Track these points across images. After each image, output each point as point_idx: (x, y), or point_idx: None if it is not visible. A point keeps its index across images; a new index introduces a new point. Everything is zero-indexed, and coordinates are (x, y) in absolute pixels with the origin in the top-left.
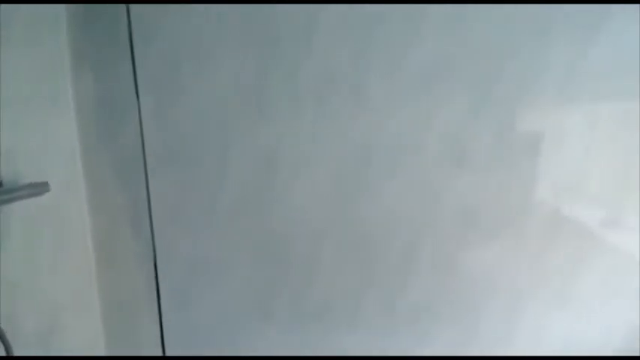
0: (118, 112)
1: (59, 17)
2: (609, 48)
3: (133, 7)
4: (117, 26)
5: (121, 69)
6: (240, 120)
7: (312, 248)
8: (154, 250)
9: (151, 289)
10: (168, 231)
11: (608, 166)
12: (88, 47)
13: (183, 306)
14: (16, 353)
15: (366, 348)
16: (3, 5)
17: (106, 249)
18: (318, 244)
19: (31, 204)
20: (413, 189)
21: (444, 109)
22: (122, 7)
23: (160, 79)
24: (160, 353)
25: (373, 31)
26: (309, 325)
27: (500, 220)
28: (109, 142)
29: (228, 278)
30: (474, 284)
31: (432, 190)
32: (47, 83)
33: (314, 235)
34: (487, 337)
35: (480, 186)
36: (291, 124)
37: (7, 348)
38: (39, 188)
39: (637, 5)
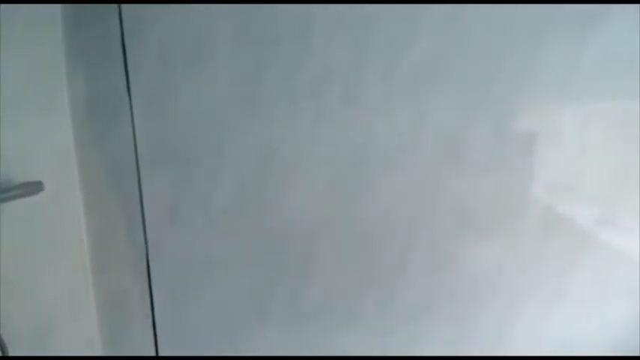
0: (111, 112)
1: (55, 17)
2: (604, 48)
3: (126, 7)
4: (111, 26)
5: (115, 69)
6: (236, 119)
7: (310, 247)
8: (147, 250)
9: (144, 288)
10: (163, 231)
11: (603, 166)
12: (83, 47)
13: (177, 306)
14: (12, 353)
15: (365, 347)
16: None
17: (100, 249)
18: (315, 243)
19: (26, 203)
20: (410, 188)
21: (440, 108)
22: (116, 7)
23: (155, 79)
24: (152, 353)
25: (370, 31)
26: (306, 325)
27: (497, 219)
28: (103, 141)
29: (223, 278)
30: (471, 283)
31: (428, 190)
32: (42, 83)
33: (311, 235)
34: (485, 335)
35: (476, 185)
36: (287, 124)
37: (2, 348)
38: (33, 187)
39: (631, 5)
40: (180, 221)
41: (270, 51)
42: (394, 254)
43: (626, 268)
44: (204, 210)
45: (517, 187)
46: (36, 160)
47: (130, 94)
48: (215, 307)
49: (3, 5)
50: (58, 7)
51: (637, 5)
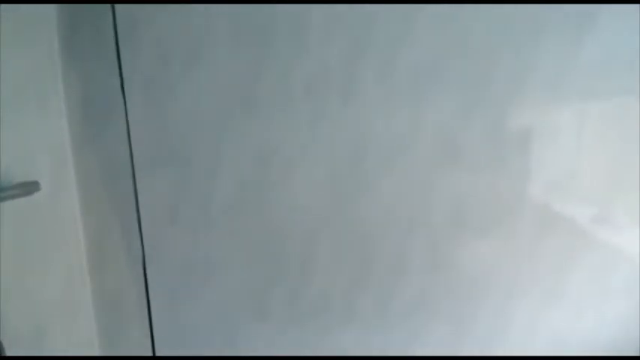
0: (107, 112)
1: (49, 17)
2: (600, 48)
3: (121, 7)
4: (105, 27)
5: (110, 69)
6: (234, 119)
7: (309, 247)
8: (143, 250)
9: (141, 289)
10: (161, 231)
11: (600, 165)
12: (78, 48)
13: (175, 306)
14: (9, 354)
15: (364, 346)
16: None
17: (97, 249)
18: (314, 243)
19: (22, 204)
20: (408, 188)
21: (438, 108)
22: (111, 7)
23: (152, 79)
24: (150, 353)
25: (368, 31)
26: (305, 324)
27: (495, 218)
28: (100, 142)
29: (221, 278)
30: (469, 281)
31: (427, 189)
32: (38, 84)
33: (310, 234)
34: (483, 333)
35: (474, 184)
36: (286, 124)
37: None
38: (29, 187)
39: (628, 5)
40: (178, 221)
41: (268, 50)
42: (392, 253)
43: (624, 267)
44: (202, 210)
45: (515, 186)
46: (32, 160)
47: (124, 94)
48: (213, 307)
49: None
50: (52, 7)
51: (634, 5)
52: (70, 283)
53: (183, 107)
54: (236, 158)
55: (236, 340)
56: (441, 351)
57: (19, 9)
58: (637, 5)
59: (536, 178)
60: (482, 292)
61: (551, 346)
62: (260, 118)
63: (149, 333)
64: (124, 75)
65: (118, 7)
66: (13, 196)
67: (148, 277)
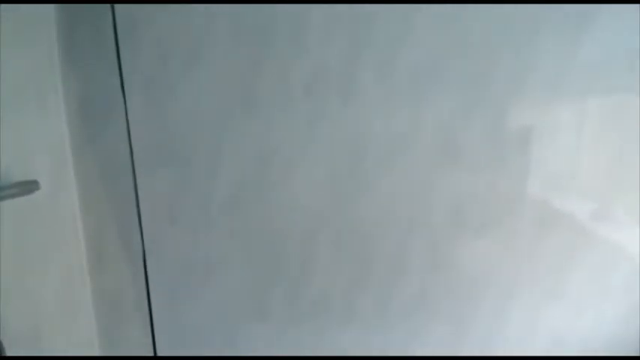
0: (106, 112)
1: (49, 18)
2: (598, 46)
3: (121, 7)
4: (105, 26)
5: (109, 69)
6: (233, 119)
7: (308, 247)
8: (143, 250)
9: (141, 288)
10: (161, 231)
11: (599, 162)
12: (78, 48)
13: (175, 305)
14: (9, 353)
15: (363, 345)
16: None
17: (97, 248)
18: (313, 242)
19: (22, 203)
20: (407, 187)
21: (436, 107)
22: (110, 7)
23: (152, 79)
24: (150, 353)
25: (367, 30)
26: (305, 324)
27: (493, 217)
28: (99, 141)
29: (222, 278)
30: (469, 280)
31: (425, 188)
32: (37, 83)
33: (309, 234)
34: (481, 332)
35: (474, 183)
36: (285, 124)
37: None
38: (29, 187)
39: (625, 5)
40: (178, 221)
41: (268, 50)
42: (392, 253)
43: (623, 265)
44: (202, 210)
45: (514, 185)
46: (31, 160)
47: (124, 94)
48: (213, 307)
49: None
50: (51, 7)
51: (632, 5)
52: (70, 283)
53: (183, 107)
54: (236, 158)
55: (236, 340)
56: (441, 350)
57: (19, 9)
58: (635, 5)
59: (536, 178)
60: (482, 291)
61: (551, 344)
62: (260, 118)
63: (150, 333)
64: (124, 75)
65: (118, 7)
66: (12, 195)
67: (149, 276)
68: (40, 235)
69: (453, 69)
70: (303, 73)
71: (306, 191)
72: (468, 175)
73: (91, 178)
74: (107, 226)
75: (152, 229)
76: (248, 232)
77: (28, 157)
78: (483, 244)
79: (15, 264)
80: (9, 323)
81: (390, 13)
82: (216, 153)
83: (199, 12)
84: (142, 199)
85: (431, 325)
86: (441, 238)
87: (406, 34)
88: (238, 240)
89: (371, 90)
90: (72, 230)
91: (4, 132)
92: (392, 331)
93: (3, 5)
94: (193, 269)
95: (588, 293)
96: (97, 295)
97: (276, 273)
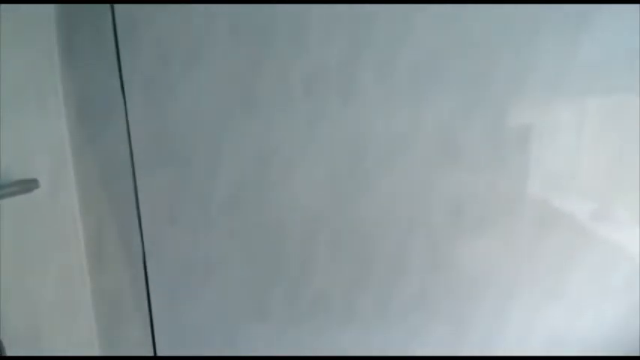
0: (106, 112)
1: (49, 18)
2: (598, 46)
3: (121, 7)
4: (105, 26)
5: (109, 69)
6: (233, 119)
7: (308, 247)
8: (143, 250)
9: (141, 288)
10: (161, 230)
11: (598, 163)
12: (78, 48)
13: (174, 305)
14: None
15: (363, 345)
16: None
17: (96, 248)
18: (313, 242)
19: (22, 203)
20: (407, 187)
21: (436, 107)
22: (110, 7)
23: (152, 79)
24: (150, 353)
25: (367, 30)
26: (305, 324)
27: (493, 217)
28: (98, 141)
29: (221, 277)
30: (468, 280)
31: (425, 188)
32: (37, 83)
33: (308, 234)
34: (481, 331)
35: (472, 183)
36: (285, 123)
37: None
38: (28, 185)
39: (622, 5)
40: (177, 221)
41: (268, 50)
42: (392, 253)
43: (623, 265)
44: (202, 210)
45: (514, 185)
46: (31, 159)
47: (124, 94)
48: (213, 307)
49: None
50: (51, 7)
51: (631, 5)
52: (70, 283)
53: (182, 107)
54: (236, 158)
55: (236, 340)
56: (441, 350)
57: (19, 9)
58: (635, 5)
59: (536, 177)
60: (482, 291)
61: (551, 344)
62: (260, 118)
63: (150, 332)
64: (124, 75)
65: (118, 7)
66: (12, 194)
67: (148, 276)
68: (39, 234)
69: (453, 69)
70: (303, 72)
71: (306, 191)
72: (467, 175)
73: (91, 177)
74: (107, 226)
75: (152, 228)
76: (248, 232)
77: (28, 156)
78: (483, 243)
79: (14, 263)
80: (9, 323)
81: (390, 13)
82: (216, 153)
83: (199, 12)
84: (141, 199)
85: (431, 324)
86: (440, 238)
87: (406, 34)
88: (238, 240)
89: (371, 90)
90: (72, 229)
91: (4, 131)
92: (392, 330)
93: (3, 5)
94: (193, 269)
95: (588, 293)
96: (97, 295)
97: (276, 273)
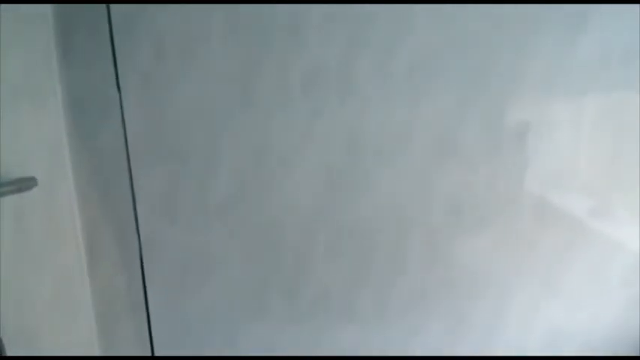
0: (104, 109)
1: (46, 17)
2: (596, 44)
3: (117, 6)
4: (102, 25)
5: (107, 67)
6: (229, 116)
7: (306, 244)
8: (140, 248)
9: (138, 287)
10: (157, 228)
11: (596, 159)
12: (75, 46)
13: (173, 305)
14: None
15: (362, 342)
16: None
17: (94, 247)
18: (311, 239)
19: (19, 201)
20: (405, 184)
21: (435, 104)
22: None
23: (147, 76)
24: (148, 353)
25: (365, 27)
26: (303, 322)
27: (492, 213)
28: (96, 139)
29: (219, 276)
30: (467, 276)
31: (423, 185)
32: (35, 81)
33: (307, 231)
34: (480, 327)
35: (471, 180)
36: (283, 120)
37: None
38: (26, 183)
39: (621, 5)
40: (175, 219)
41: (266, 47)
42: (390, 251)
43: (622, 260)
44: (199, 208)
45: (513, 181)
46: (29, 157)
47: (119, 91)
48: (211, 306)
49: None
50: (48, 7)
51: (629, 5)
52: (69, 282)
53: (181, 105)
54: (233, 155)
55: (235, 339)
56: (440, 347)
57: (16, 9)
58: (633, 5)
59: (534, 175)
60: (481, 286)
61: (550, 340)
62: (257, 116)
63: (147, 332)
64: (121, 73)
65: (115, 6)
66: (11, 192)
67: (146, 275)
68: (37, 232)
69: (452, 67)
70: (301, 71)
71: (305, 188)
72: (466, 173)
73: (89, 175)
74: (104, 225)
75: (149, 227)
76: (246, 230)
77: (26, 154)
78: (482, 241)
79: (13, 261)
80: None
81: (388, 12)
82: (214, 151)
83: (196, 10)
84: (139, 197)
85: (430, 322)
86: (439, 236)
87: (404, 33)
88: (236, 239)
89: (369, 89)
90: (70, 228)
91: (2, 129)
92: (391, 329)
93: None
94: (191, 268)
95: (587, 290)
96: (96, 294)
97: (274, 272)
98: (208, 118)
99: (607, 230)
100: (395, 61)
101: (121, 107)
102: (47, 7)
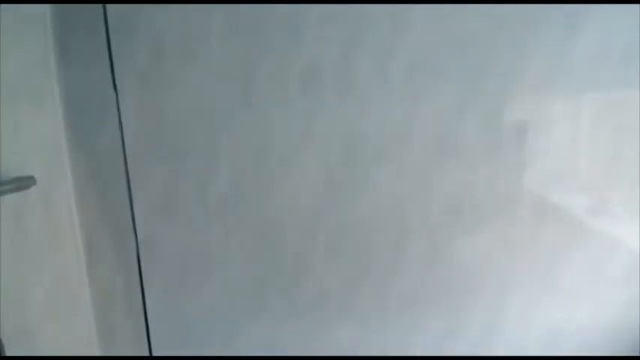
0: (102, 108)
1: (44, 17)
2: (594, 42)
3: (115, 6)
4: (99, 24)
5: (104, 66)
6: (228, 115)
7: (305, 243)
8: (137, 247)
9: (136, 286)
10: (155, 228)
11: (595, 156)
12: (72, 46)
13: (171, 304)
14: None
15: (361, 340)
16: None
17: (93, 246)
18: (310, 238)
19: (18, 200)
20: (403, 182)
21: (434, 102)
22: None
23: (145, 76)
24: (146, 353)
25: (363, 26)
26: (302, 320)
27: (491, 210)
28: (94, 138)
29: (217, 275)
30: (466, 274)
31: (422, 183)
32: (33, 81)
33: (306, 230)
34: (479, 324)
35: (470, 178)
36: (281, 119)
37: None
38: (25, 182)
39: (619, 5)
40: (173, 218)
41: (264, 46)
42: (389, 249)
43: (621, 257)
44: (198, 207)
45: (512, 179)
46: (27, 157)
47: (116, 91)
48: (210, 305)
49: None
50: (46, 7)
51: (628, 5)
52: (67, 281)
53: (178, 103)
54: (233, 155)
55: (234, 338)
56: (439, 344)
57: (14, 9)
58: (632, 5)
59: (533, 172)
60: (480, 284)
61: (550, 337)
62: (257, 115)
63: (145, 332)
64: (119, 73)
65: (113, 5)
66: (10, 191)
67: (144, 274)
68: (36, 231)
69: (451, 67)
70: (300, 71)
71: (304, 187)
72: (465, 171)
73: (87, 175)
74: (102, 224)
75: (149, 227)
76: (245, 230)
77: (25, 153)
78: (481, 238)
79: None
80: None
81: (388, 12)
82: (213, 151)
83: (195, 9)
84: (138, 197)
85: (429, 321)
86: (439, 235)
87: (403, 31)
88: (235, 237)
89: (368, 88)
90: (68, 227)
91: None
92: (390, 327)
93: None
94: (190, 268)
95: (586, 287)
96: (95, 294)
97: (274, 271)
98: (208, 118)
99: (606, 229)
100: (394, 61)
101: (118, 108)
102: (45, 7)
